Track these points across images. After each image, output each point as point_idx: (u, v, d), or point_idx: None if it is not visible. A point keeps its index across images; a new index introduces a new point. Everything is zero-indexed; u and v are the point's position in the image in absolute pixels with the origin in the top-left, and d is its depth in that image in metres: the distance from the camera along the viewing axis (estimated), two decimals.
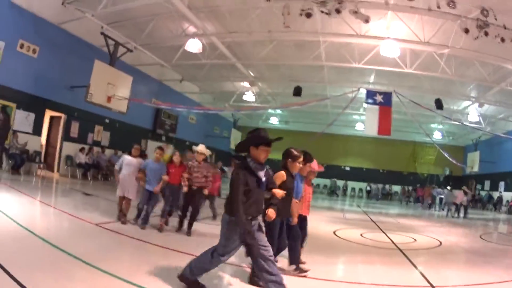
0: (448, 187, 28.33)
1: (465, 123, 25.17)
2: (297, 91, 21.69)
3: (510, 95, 21.70)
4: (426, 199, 29.90)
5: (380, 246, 10.01)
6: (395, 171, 38.81)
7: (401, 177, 38.63)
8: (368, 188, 37.97)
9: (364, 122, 18.67)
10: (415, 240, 11.63)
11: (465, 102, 24.63)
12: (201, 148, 9.09)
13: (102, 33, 17.25)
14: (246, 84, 25.59)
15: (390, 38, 15.68)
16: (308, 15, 13.48)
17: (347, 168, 39.26)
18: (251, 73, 24.03)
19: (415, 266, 7.64)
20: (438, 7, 12.45)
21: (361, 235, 11.67)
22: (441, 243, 11.38)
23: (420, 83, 20.98)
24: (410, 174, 38.68)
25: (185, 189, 8.82)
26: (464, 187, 23.36)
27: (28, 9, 15.84)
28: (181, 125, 29.33)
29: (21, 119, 16.34)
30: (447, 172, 37.64)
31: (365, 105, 18.16)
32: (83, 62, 17.52)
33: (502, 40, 13.26)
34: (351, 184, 38.79)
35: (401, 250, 9.29)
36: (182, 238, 8.47)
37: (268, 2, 14.16)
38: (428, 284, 6.18)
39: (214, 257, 4.90)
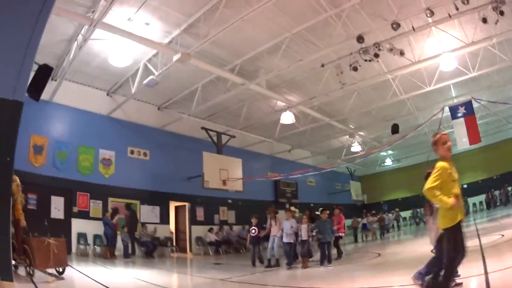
0: None
1: None
2: (395, 129, 21.99)
3: None
4: None
5: None
6: (507, 172, 33.83)
7: None
8: (486, 199, 35.01)
9: (455, 137, 17.56)
10: (502, 236, 11.82)
11: None
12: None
13: (202, 128, 20.11)
14: (348, 137, 27.10)
15: (444, 52, 15.81)
16: (355, 69, 14.88)
17: (465, 186, 34.49)
18: (351, 126, 25.47)
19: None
20: (457, 8, 12.45)
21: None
22: None
23: (493, 80, 20.07)
24: None
25: None
26: None
27: (129, 120, 19.04)
28: (302, 190, 30.78)
29: (147, 212, 19.19)
30: None
31: (452, 121, 17.61)
32: (193, 155, 19.99)
33: None
34: (470, 200, 35.27)
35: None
36: None
37: (326, 66, 15.84)
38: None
39: None
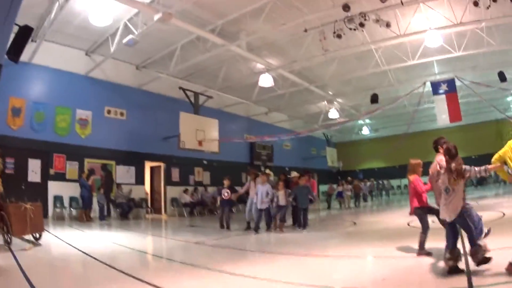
0: None
1: None
2: (374, 99, 22.40)
3: None
4: None
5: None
6: (486, 154, 35.52)
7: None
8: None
9: (436, 114, 18.27)
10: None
11: None
12: None
13: (180, 88, 19.80)
14: (327, 103, 27.06)
15: (430, 28, 15.79)
16: (339, 36, 14.78)
17: None
18: (330, 92, 25.38)
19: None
20: None
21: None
22: (504, 215, 11.69)
23: (478, 62, 20.43)
24: None
25: None
26: None
27: (106, 79, 18.68)
28: (277, 153, 30.96)
29: (123, 173, 19.15)
30: None
31: (433, 97, 18.06)
32: (170, 115, 20.04)
33: None
34: None
35: None
36: None
37: (309, 32, 15.75)
38: None
39: None
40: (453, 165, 5.65)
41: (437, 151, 7.11)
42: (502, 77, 19.81)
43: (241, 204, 21.71)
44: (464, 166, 5.69)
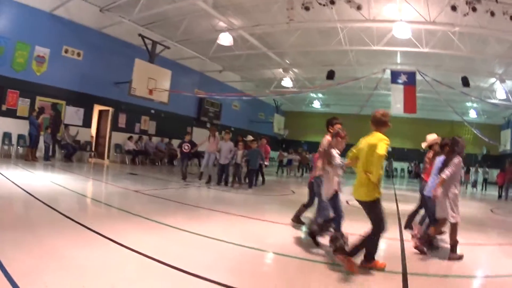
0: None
1: (492, 100, 24.99)
2: (330, 75, 22.62)
3: None
4: None
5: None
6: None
7: None
8: (410, 168, 37.53)
9: (390, 101, 18.56)
10: None
11: (492, 79, 23.72)
12: None
13: (139, 35, 19.39)
14: (282, 71, 27.06)
15: (401, 20, 15.94)
16: (307, 9, 14.87)
17: (389, 149, 36.44)
18: (287, 61, 25.42)
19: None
20: None
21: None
22: None
23: (443, 62, 20.90)
24: None
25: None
26: None
27: (69, 18, 18.08)
28: (225, 112, 31.12)
29: (71, 114, 18.83)
30: (485, 152, 35.74)
31: (391, 85, 18.31)
32: (125, 61, 19.60)
33: (492, 14, 13.38)
34: (394, 164, 37.41)
35: None
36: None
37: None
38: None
39: None
40: (329, 146, 5.87)
41: (328, 130, 6.84)
42: (465, 82, 20.44)
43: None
44: (333, 152, 5.84)
